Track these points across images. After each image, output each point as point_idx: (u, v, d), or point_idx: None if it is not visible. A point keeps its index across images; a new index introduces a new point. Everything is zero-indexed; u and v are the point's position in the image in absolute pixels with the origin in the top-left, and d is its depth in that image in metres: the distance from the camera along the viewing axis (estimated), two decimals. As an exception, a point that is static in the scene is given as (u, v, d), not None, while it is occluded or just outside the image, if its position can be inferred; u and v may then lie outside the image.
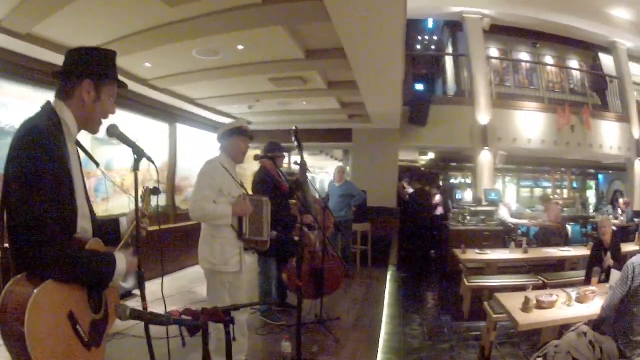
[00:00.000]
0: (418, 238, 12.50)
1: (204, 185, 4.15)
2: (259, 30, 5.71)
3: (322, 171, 22.34)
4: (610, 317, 4.24)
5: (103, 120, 2.35)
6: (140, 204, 2.45)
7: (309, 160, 18.42)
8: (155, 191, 2.72)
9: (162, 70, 7.56)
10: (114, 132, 2.33)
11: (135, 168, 2.39)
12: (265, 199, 4.47)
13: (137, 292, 7.52)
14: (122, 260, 2.19)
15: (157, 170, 2.66)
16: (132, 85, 7.87)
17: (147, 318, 2.00)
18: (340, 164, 13.86)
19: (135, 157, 2.40)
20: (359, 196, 9.54)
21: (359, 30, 5.10)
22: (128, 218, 2.56)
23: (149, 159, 2.45)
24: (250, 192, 5.08)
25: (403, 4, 4.88)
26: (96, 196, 7.44)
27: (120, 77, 6.57)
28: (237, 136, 4.33)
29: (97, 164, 2.67)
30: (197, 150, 10.68)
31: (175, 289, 7.87)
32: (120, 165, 8.21)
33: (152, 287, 8.09)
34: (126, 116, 8.45)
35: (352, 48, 5.70)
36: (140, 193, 2.56)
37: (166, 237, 8.80)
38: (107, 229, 2.50)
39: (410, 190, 15.19)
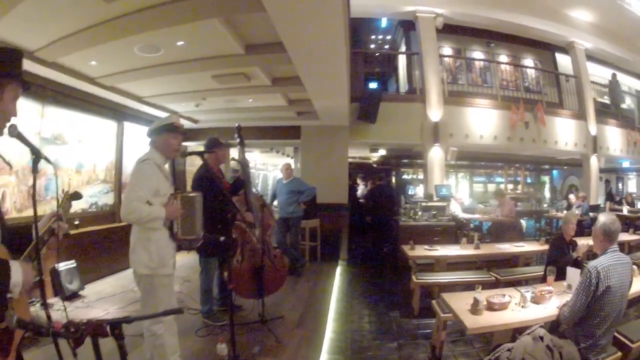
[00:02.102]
0: (373, 233, 12.48)
1: (139, 185, 3.97)
2: (195, 24, 5.61)
3: (276, 168, 22.45)
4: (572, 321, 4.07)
5: (6, 123, 2.25)
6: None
7: (261, 157, 18.25)
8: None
9: (107, 68, 7.47)
10: (12, 132, 2.23)
11: (34, 169, 2.29)
12: (196, 194, 4.26)
13: (83, 292, 7.41)
14: (18, 271, 2.07)
15: (55, 170, 2.51)
16: (79, 84, 7.86)
17: (30, 328, 1.92)
18: (291, 160, 13.82)
19: (33, 157, 2.28)
20: (308, 191, 9.43)
21: (296, 21, 4.97)
22: (41, 223, 2.43)
23: (47, 160, 2.34)
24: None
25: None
26: (46, 195, 7.30)
27: (68, 76, 6.43)
28: (168, 132, 4.22)
29: (10, 166, 2.54)
30: (144, 148, 10.45)
31: (119, 288, 7.77)
32: (65, 165, 8.23)
33: (97, 286, 7.99)
34: (73, 115, 8.40)
35: (291, 40, 5.57)
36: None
37: (112, 236, 8.64)
38: (18, 234, 2.38)
39: (361, 186, 15.24)
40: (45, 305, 2.42)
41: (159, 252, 4.00)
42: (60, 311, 5.89)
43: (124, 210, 3.90)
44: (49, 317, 2.32)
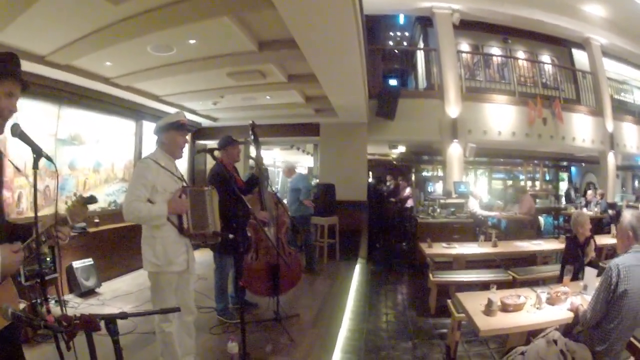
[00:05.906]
0: (389, 231, 12.44)
1: (136, 184, 4.00)
2: (205, 22, 5.61)
3: (297, 164, 22.51)
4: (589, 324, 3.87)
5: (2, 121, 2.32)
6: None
7: (281, 154, 18.36)
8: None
9: (122, 68, 7.52)
10: (15, 132, 2.29)
11: (35, 167, 2.31)
12: (207, 188, 4.28)
13: (100, 290, 7.48)
14: None
15: (56, 169, 2.52)
16: (96, 85, 7.92)
17: (23, 320, 1.93)
18: (310, 158, 13.79)
19: (34, 156, 2.31)
20: (304, 188, 9.32)
21: (307, 18, 4.93)
22: (41, 224, 2.44)
23: (48, 158, 2.35)
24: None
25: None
26: (61, 194, 7.44)
27: (83, 78, 6.45)
28: (174, 130, 4.21)
29: (18, 170, 2.58)
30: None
31: (135, 287, 7.79)
32: (82, 165, 8.26)
33: (114, 284, 8.04)
34: (90, 116, 8.48)
35: (303, 38, 5.55)
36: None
37: (129, 234, 8.65)
38: (19, 232, 2.43)
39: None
40: (46, 301, 2.43)
41: (165, 249, 4.02)
42: (73, 308, 5.98)
43: (124, 212, 3.98)
44: (47, 309, 2.34)
